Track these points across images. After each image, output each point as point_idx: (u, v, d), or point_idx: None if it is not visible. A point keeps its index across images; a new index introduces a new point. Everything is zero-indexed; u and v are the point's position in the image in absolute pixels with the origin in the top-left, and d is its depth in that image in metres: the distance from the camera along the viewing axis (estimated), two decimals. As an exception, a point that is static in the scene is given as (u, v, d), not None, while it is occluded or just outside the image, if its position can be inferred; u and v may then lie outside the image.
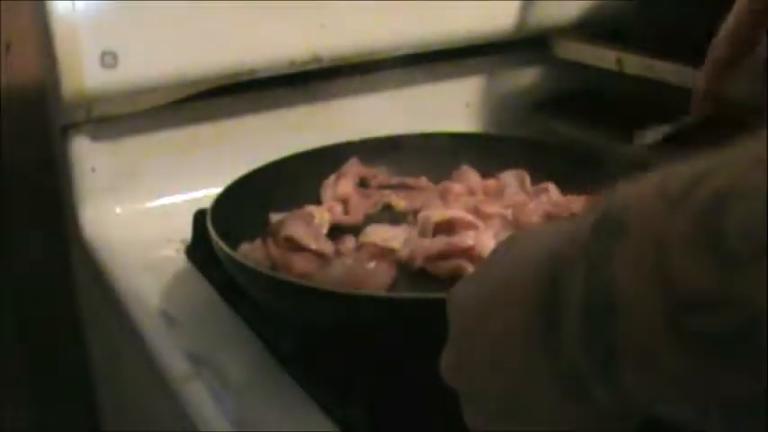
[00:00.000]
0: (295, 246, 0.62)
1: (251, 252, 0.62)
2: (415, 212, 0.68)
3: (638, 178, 0.28)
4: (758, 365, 0.23)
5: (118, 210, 0.77)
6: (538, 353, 0.30)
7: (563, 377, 0.29)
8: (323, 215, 0.68)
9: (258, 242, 0.64)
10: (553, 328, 0.29)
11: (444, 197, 0.70)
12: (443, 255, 0.61)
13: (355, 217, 0.70)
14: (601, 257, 0.27)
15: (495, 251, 0.38)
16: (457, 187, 0.71)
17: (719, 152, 0.25)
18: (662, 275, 0.25)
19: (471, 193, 0.71)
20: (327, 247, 0.63)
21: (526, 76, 0.93)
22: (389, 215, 0.70)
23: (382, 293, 0.58)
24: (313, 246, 0.63)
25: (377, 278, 0.59)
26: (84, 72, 0.70)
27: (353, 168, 0.74)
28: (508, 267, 0.34)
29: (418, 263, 0.61)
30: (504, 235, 0.59)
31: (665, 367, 0.25)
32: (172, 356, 0.59)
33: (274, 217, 0.69)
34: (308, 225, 0.65)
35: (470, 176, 0.74)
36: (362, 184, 0.75)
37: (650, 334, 0.25)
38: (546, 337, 0.30)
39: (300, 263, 0.61)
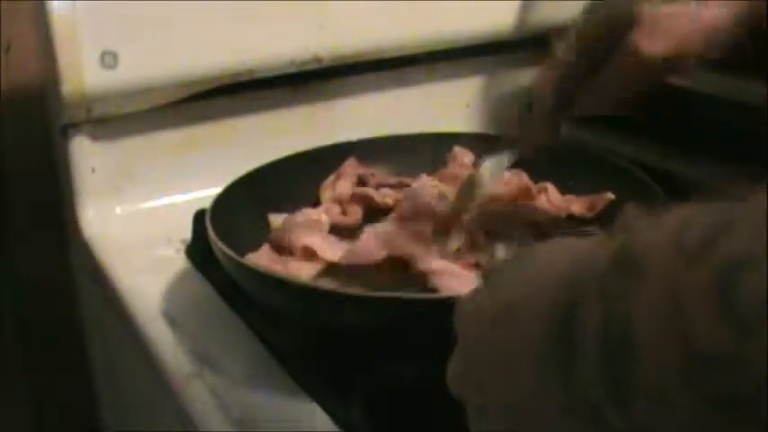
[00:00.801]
0: (309, 254, 0.63)
1: (257, 260, 0.62)
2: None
3: (655, 219, 0.29)
4: None
5: (118, 210, 0.77)
6: (552, 375, 0.31)
7: (576, 398, 0.30)
8: (322, 218, 0.69)
9: (265, 248, 0.64)
10: (569, 355, 0.30)
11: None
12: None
13: (354, 218, 0.70)
14: (619, 293, 0.28)
15: (506, 266, 0.38)
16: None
17: (736, 203, 0.26)
18: (678, 329, 0.25)
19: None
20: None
21: (526, 76, 0.93)
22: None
23: (382, 293, 0.58)
24: (329, 255, 0.63)
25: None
26: (84, 72, 0.70)
27: (351, 168, 0.74)
28: (523, 286, 0.34)
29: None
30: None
31: (679, 410, 0.26)
32: (172, 356, 0.59)
33: (273, 217, 0.69)
34: (321, 231, 0.66)
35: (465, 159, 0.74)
36: (361, 183, 0.75)
37: (665, 379, 0.26)
38: (561, 362, 0.30)
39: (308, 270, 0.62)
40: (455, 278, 0.60)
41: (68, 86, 0.71)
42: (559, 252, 0.34)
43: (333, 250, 0.64)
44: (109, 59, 0.71)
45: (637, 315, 0.27)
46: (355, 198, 0.72)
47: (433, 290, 0.60)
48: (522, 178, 0.72)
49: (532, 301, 0.33)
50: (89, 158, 0.76)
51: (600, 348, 0.28)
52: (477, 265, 0.62)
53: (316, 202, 0.72)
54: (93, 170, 0.76)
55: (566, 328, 0.30)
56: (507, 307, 0.34)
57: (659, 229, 0.28)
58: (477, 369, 0.35)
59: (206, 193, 0.71)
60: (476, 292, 0.38)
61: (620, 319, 0.27)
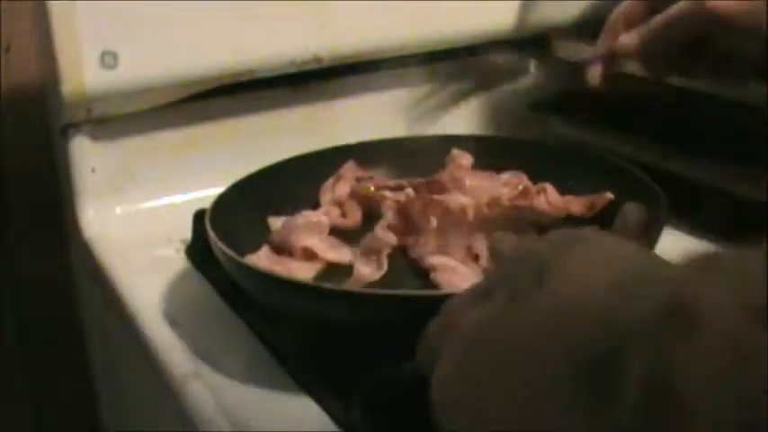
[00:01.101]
0: (310, 255, 0.63)
1: (256, 261, 0.62)
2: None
3: (705, 264, 0.27)
4: None
5: (118, 210, 0.77)
6: (580, 406, 0.29)
7: (601, 426, 0.29)
8: (322, 220, 0.69)
9: (265, 250, 0.64)
10: (602, 395, 0.28)
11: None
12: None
13: (353, 220, 0.71)
14: (669, 349, 0.26)
15: (507, 265, 0.37)
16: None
17: None
18: (740, 392, 0.24)
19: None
20: (345, 255, 0.64)
21: (526, 76, 0.93)
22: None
23: (382, 291, 0.58)
24: (330, 256, 0.63)
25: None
26: (84, 72, 0.70)
27: (350, 171, 0.74)
28: (545, 309, 0.33)
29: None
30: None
31: None
32: (172, 356, 0.59)
33: (273, 220, 0.69)
34: (321, 233, 0.66)
35: (463, 161, 0.74)
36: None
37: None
38: (592, 400, 0.29)
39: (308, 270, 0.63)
40: (457, 274, 0.60)
41: (68, 86, 0.71)
42: (588, 276, 0.32)
43: (333, 251, 0.65)
44: (109, 59, 0.71)
45: (688, 372, 0.25)
46: (354, 199, 0.72)
47: (434, 286, 0.60)
48: (522, 179, 0.73)
49: (558, 327, 0.31)
50: (89, 158, 0.76)
51: (640, 399, 0.27)
52: (476, 258, 0.63)
53: (315, 205, 0.72)
54: (93, 170, 0.76)
55: (600, 368, 0.28)
56: (521, 323, 0.33)
57: (715, 282, 0.26)
58: (475, 369, 0.35)
59: (206, 193, 0.71)
60: (470, 291, 0.38)
61: (667, 369, 0.26)
